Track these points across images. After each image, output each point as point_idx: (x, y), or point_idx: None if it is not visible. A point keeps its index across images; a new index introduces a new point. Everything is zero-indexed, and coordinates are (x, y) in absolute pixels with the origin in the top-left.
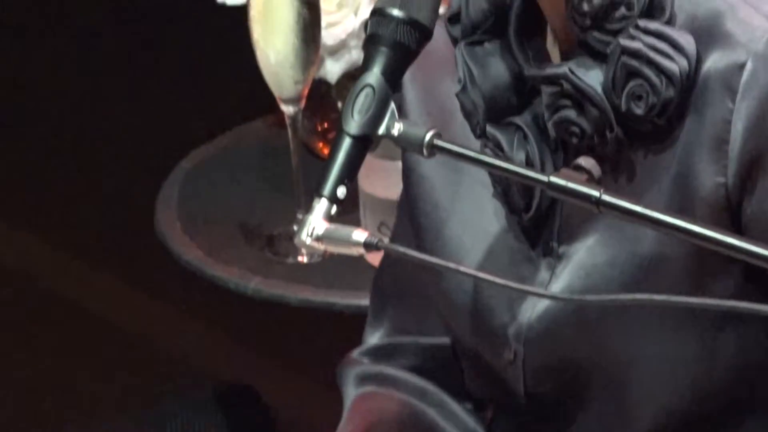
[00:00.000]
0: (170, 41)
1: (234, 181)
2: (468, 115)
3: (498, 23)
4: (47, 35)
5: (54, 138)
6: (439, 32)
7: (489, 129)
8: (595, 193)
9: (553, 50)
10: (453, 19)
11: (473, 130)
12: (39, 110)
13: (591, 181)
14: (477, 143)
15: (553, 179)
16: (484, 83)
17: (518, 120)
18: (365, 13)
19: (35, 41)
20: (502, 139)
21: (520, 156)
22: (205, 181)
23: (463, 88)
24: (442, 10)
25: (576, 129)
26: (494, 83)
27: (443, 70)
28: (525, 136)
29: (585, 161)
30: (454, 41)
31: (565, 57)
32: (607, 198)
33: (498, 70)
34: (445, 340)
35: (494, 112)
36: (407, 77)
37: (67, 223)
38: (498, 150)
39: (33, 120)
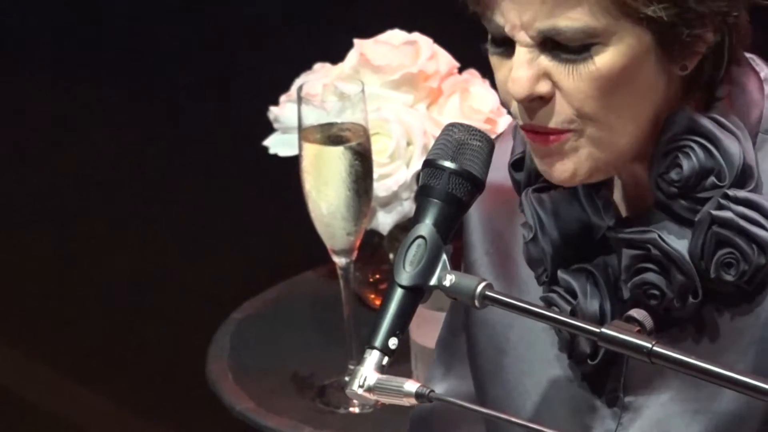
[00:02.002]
0: (222, 192)
1: (285, 332)
2: (534, 262)
3: None
4: (102, 182)
5: (107, 288)
6: (504, 173)
7: (561, 274)
8: (647, 344)
9: (621, 203)
10: (516, 165)
11: (538, 277)
12: (93, 259)
13: (642, 332)
14: (534, 285)
15: (605, 331)
16: (553, 231)
17: (591, 267)
18: (417, 164)
19: (89, 181)
20: (576, 285)
21: (594, 305)
22: (256, 331)
23: (534, 238)
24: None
25: (656, 292)
26: (563, 232)
27: (505, 211)
28: (597, 284)
29: (637, 313)
30: (517, 186)
31: (634, 212)
32: (659, 349)
33: (567, 219)
34: None
35: (561, 260)
36: (472, 207)
37: (119, 374)
38: (570, 296)
39: (86, 272)
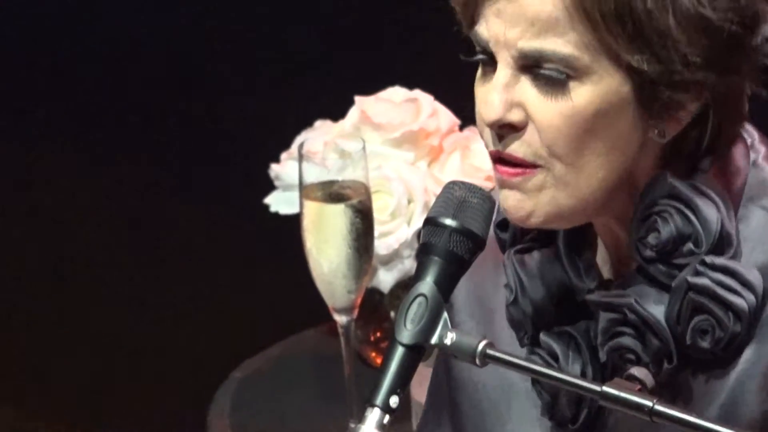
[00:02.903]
0: (223, 249)
1: (286, 391)
2: (516, 324)
3: (547, 232)
4: (101, 237)
5: (106, 346)
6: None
7: (543, 337)
8: (648, 402)
9: (604, 266)
10: (502, 225)
11: (520, 339)
12: (92, 315)
13: (644, 390)
14: (517, 345)
15: (606, 389)
16: (534, 294)
17: (573, 330)
18: (418, 222)
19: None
20: (557, 348)
21: (575, 368)
22: (257, 390)
23: (515, 300)
24: None
25: (632, 356)
26: (544, 294)
27: (490, 269)
28: (578, 348)
29: (638, 371)
30: (502, 245)
31: (617, 275)
32: (660, 408)
33: (548, 280)
34: None
35: (543, 322)
36: None
37: (120, 430)
38: (552, 359)
39: (85, 328)
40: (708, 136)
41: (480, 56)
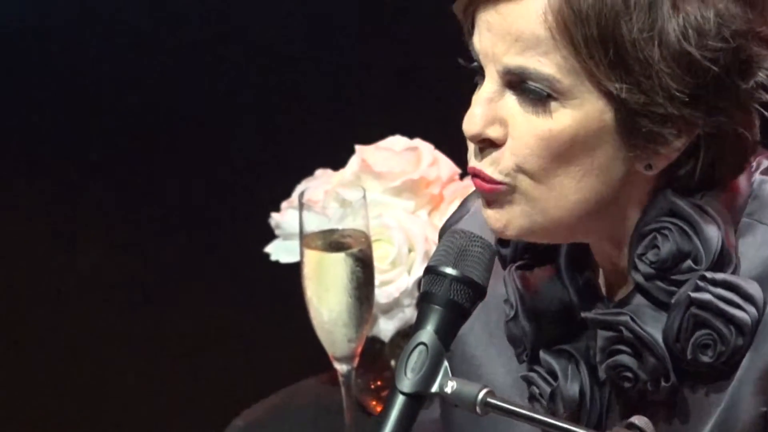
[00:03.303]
0: (223, 297)
1: None
2: (515, 340)
3: (548, 249)
4: (100, 288)
5: (107, 397)
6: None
7: (542, 355)
8: None
9: (605, 286)
10: (503, 240)
11: (518, 356)
12: (92, 366)
13: None
14: (516, 364)
15: None
16: (534, 311)
17: (571, 348)
18: (419, 271)
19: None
20: (556, 366)
21: (574, 388)
22: None
23: (514, 316)
24: None
25: (630, 375)
26: (544, 311)
27: (493, 281)
28: (578, 366)
29: (638, 420)
30: (503, 261)
31: (616, 292)
32: None
33: (548, 298)
34: None
35: (542, 340)
36: None
37: None
38: (551, 377)
39: (85, 380)
40: (699, 172)
41: (474, 64)
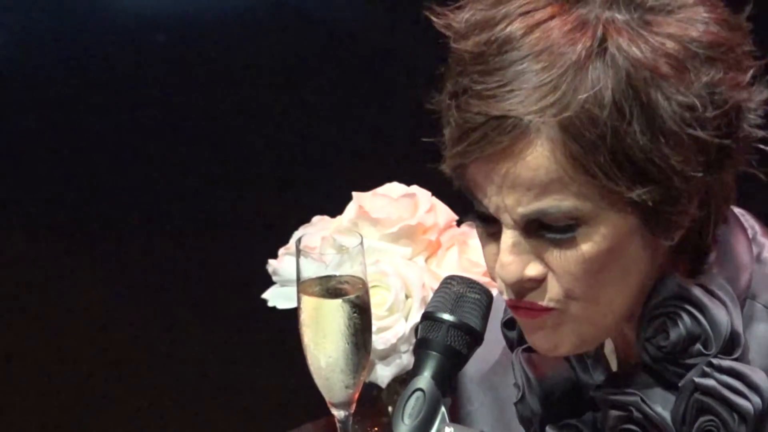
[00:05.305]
0: (220, 344)
1: None
2: (525, 421)
3: None
4: (97, 330)
5: None
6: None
7: (549, 430)
8: None
9: (612, 357)
10: (509, 323)
11: None
12: (84, 409)
13: None
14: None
15: None
16: (540, 391)
17: (580, 424)
18: (416, 317)
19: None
20: None
21: None
22: None
23: (522, 398)
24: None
25: None
26: (551, 390)
27: (503, 361)
28: None
29: None
30: (510, 344)
31: (625, 367)
32: None
33: (554, 378)
34: None
35: (551, 417)
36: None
37: None
38: None
39: (81, 423)
40: (711, 229)
41: (487, 225)
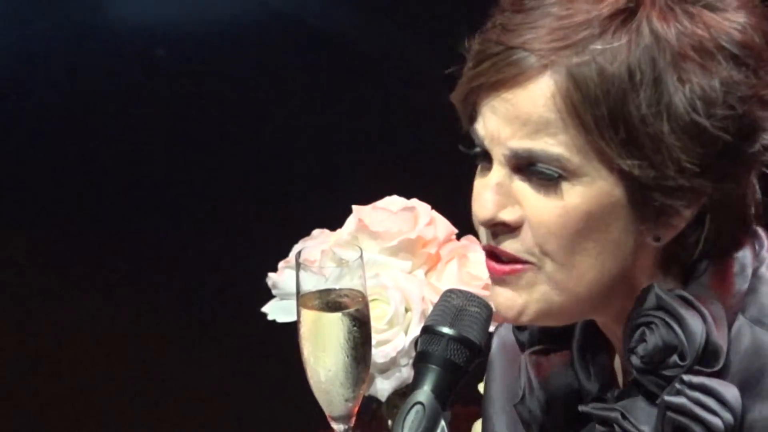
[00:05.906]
0: (220, 358)
1: None
2: (525, 423)
3: (565, 333)
4: (97, 350)
5: None
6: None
7: None
8: None
9: (620, 371)
10: (520, 326)
11: None
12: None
13: None
14: None
15: None
16: (541, 396)
17: None
18: (415, 331)
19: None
20: None
21: None
22: None
23: (522, 399)
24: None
25: None
26: (552, 396)
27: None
28: None
29: None
30: (521, 346)
31: (624, 382)
32: None
33: (556, 383)
34: None
35: (550, 423)
36: (495, 350)
37: None
38: None
39: None
40: (704, 241)
41: (477, 150)
